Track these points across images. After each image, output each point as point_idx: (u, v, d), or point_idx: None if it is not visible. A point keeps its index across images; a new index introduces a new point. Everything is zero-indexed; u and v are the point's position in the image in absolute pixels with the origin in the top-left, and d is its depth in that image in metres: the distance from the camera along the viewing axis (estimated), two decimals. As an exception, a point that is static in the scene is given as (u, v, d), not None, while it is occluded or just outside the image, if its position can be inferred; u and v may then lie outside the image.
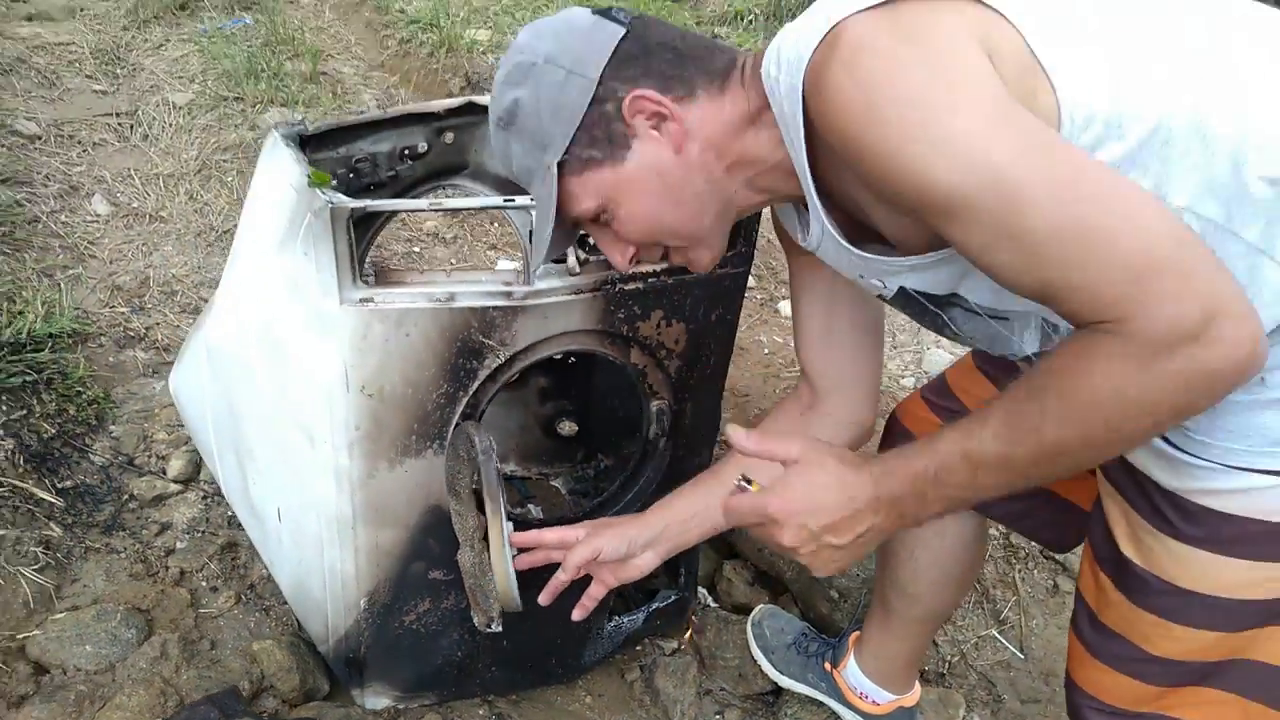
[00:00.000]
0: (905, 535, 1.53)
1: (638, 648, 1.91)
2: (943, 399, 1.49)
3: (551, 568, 1.39)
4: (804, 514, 0.96)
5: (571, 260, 1.39)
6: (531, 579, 1.41)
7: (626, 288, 1.43)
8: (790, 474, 1.00)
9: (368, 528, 1.47)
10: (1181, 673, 1.06)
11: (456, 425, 1.43)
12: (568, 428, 2.02)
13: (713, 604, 2.01)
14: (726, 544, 2.16)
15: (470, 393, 1.41)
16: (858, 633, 1.76)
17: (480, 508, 1.47)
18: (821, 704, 1.81)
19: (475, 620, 1.50)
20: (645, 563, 1.36)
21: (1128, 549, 1.08)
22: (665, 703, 1.81)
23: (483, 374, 1.41)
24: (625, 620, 1.86)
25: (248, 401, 1.56)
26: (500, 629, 1.46)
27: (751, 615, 1.89)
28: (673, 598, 1.90)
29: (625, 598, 1.96)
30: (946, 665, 1.98)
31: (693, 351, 1.56)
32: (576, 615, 1.42)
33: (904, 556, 1.56)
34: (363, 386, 1.35)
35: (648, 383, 1.58)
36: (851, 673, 1.75)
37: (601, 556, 1.34)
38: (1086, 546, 1.20)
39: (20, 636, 1.63)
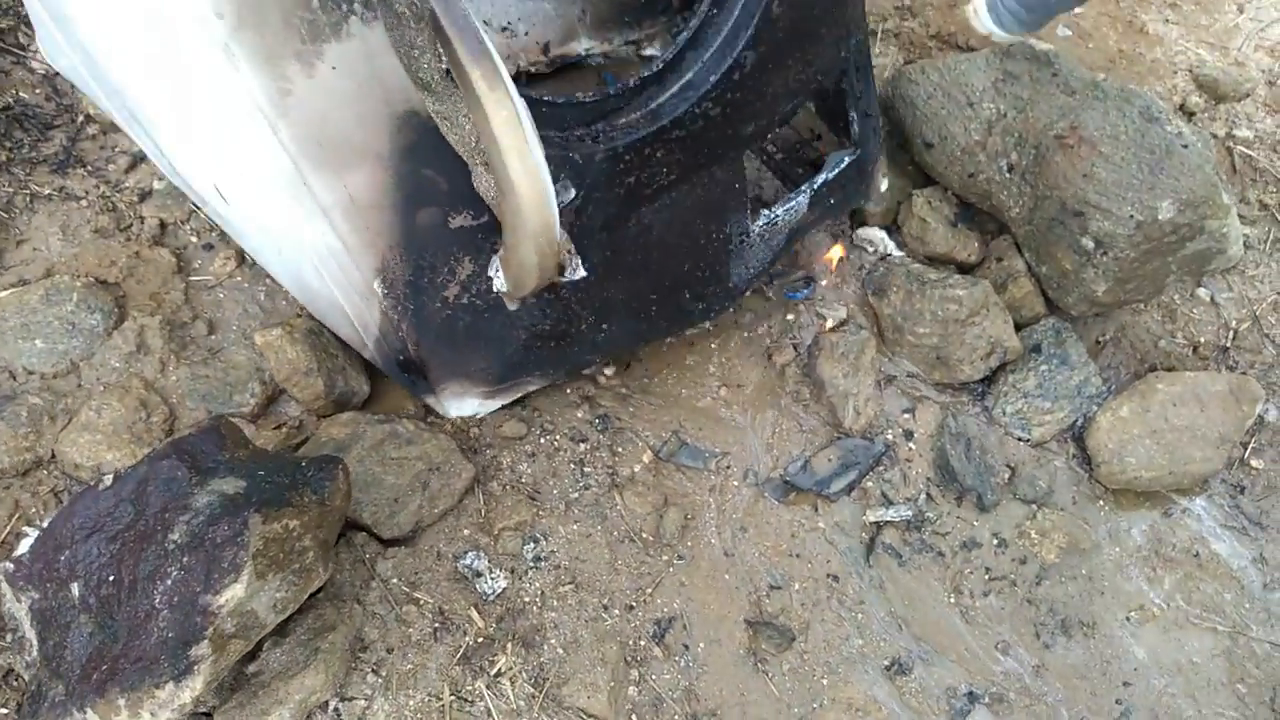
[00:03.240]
0: None
1: (790, 317, 1.39)
2: None
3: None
4: None
5: None
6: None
7: None
8: None
9: (321, 174, 0.90)
10: None
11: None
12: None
13: (897, 253, 1.43)
14: (916, 165, 1.48)
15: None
16: None
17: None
18: (1044, 400, 1.28)
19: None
20: None
21: None
22: (832, 397, 1.29)
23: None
24: (780, 211, 1.30)
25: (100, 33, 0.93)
26: (587, 271, 0.95)
27: None
28: (845, 160, 1.33)
29: (784, 174, 1.41)
30: (1231, 335, 1.41)
31: None
32: None
33: None
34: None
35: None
36: None
37: None
38: None
39: (-52, 328, 1.20)
